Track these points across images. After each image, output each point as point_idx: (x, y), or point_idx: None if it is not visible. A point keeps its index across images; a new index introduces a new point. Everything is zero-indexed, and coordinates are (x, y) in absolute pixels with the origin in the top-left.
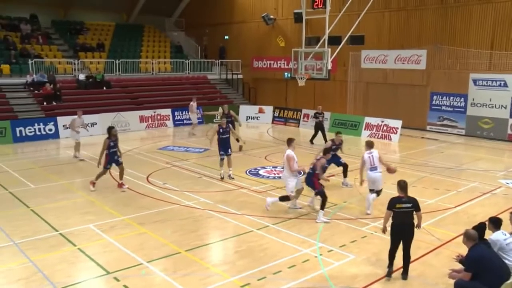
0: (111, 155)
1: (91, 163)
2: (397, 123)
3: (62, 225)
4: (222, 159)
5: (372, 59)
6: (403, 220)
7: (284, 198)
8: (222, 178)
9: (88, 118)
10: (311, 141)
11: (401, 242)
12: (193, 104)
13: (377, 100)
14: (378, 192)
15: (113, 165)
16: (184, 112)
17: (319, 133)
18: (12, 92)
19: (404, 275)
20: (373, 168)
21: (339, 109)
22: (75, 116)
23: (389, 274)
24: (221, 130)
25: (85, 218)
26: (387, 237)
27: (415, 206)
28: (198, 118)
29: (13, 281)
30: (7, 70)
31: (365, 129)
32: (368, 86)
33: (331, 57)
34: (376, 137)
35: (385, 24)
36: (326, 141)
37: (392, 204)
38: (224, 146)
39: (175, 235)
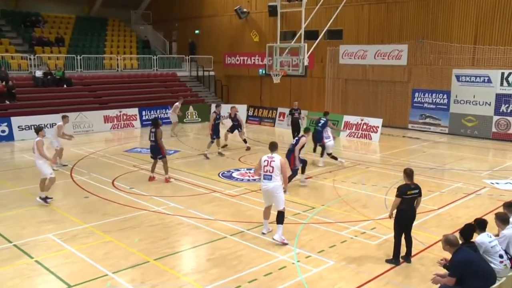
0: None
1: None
2: (377, 122)
3: (16, 236)
4: (212, 142)
5: (351, 55)
6: (410, 205)
7: (281, 219)
8: (207, 158)
9: (46, 119)
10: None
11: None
12: (179, 105)
13: (356, 97)
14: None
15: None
16: (152, 111)
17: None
18: None
19: (409, 258)
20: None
21: (316, 107)
22: (60, 123)
23: (398, 263)
24: (217, 117)
25: (44, 227)
26: (367, 241)
27: (420, 192)
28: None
29: None
30: None
31: (344, 128)
32: (347, 83)
33: (307, 52)
34: (355, 136)
35: (364, 17)
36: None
37: (403, 191)
38: (217, 131)
39: (144, 243)
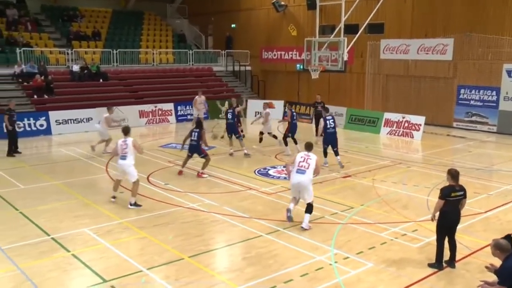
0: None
1: (87, 162)
2: (420, 119)
3: (54, 229)
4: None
5: (393, 49)
6: (455, 207)
7: (311, 210)
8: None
9: (83, 113)
10: (317, 133)
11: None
12: (198, 98)
13: (397, 94)
14: None
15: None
16: (188, 106)
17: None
18: None
19: (453, 263)
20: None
21: (356, 104)
22: (106, 114)
23: (441, 268)
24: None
25: (80, 221)
26: (408, 244)
27: (465, 194)
28: (204, 114)
29: None
30: None
31: (384, 126)
32: (388, 79)
33: (347, 47)
34: (396, 134)
35: (407, 10)
36: (317, 134)
37: (447, 193)
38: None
39: (178, 239)
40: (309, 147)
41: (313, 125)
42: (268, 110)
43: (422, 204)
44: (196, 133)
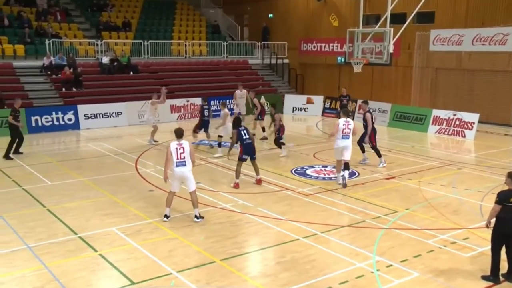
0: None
1: (116, 158)
2: (473, 117)
3: (81, 228)
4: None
5: (444, 40)
6: None
7: (348, 166)
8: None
9: (112, 107)
10: None
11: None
12: (238, 92)
13: (448, 89)
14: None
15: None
16: (221, 101)
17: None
18: (27, 76)
19: (511, 277)
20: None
21: (401, 100)
22: (154, 99)
23: (498, 281)
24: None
25: (108, 220)
26: (458, 253)
27: None
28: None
29: None
30: (22, 51)
31: (432, 124)
32: (438, 73)
33: (393, 38)
34: (446, 133)
35: None
36: None
37: (504, 198)
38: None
39: (210, 241)
40: (345, 113)
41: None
42: (226, 110)
43: (474, 209)
44: (246, 131)
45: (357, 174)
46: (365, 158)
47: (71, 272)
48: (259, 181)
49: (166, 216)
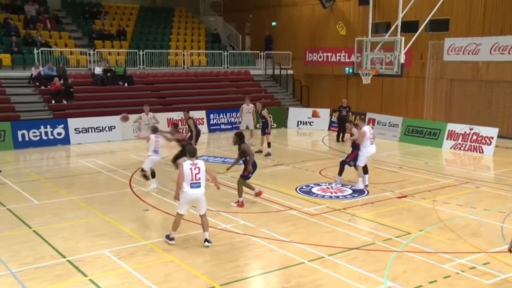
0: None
1: (109, 175)
2: (491, 132)
3: (71, 251)
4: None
5: (459, 50)
6: None
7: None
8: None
9: (105, 121)
10: (339, 139)
11: None
12: (245, 106)
13: (464, 101)
14: None
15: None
16: (221, 115)
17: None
18: (13, 88)
19: None
20: None
21: (413, 113)
22: (142, 114)
23: None
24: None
25: (100, 242)
26: (478, 279)
27: None
28: (239, 123)
29: None
30: (8, 61)
31: (447, 139)
32: (453, 84)
33: (404, 47)
34: (462, 148)
35: (479, 2)
36: (340, 139)
37: None
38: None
39: (209, 265)
40: (363, 120)
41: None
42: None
43: (495, 232)
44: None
45: (366, 192)
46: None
47: None
48: (259, 194)
49: (172, 238)
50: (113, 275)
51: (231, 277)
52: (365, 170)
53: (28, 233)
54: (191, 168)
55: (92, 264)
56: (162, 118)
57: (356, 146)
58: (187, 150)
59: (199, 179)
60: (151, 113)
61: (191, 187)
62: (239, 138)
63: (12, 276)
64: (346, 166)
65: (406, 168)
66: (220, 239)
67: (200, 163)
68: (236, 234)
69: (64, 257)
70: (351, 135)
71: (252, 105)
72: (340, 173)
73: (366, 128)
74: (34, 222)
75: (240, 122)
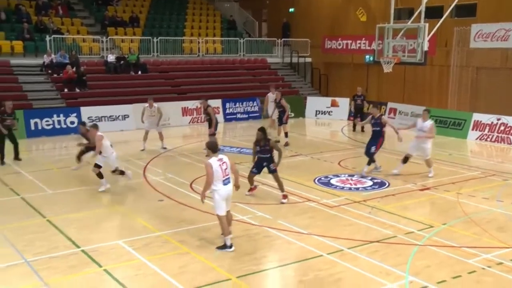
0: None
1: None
2: None
3: (85, 241)
4: None
5: (487, 36)
6: None
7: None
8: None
9: (118, 110)
10: (355, 128)
11: None
12: (270, 95)
13: (491, 90)
14: None
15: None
16: (237, 104)
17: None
18: (26, 76)
19: None
20: None
21: (437, 102)
22: (146, 105)
23: None
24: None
25: (114, 232)
26: (505, 275)
27: None
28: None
29: None
30: (20, 48)
31: (473, 129)
32: (479, 72)
33: (428, 34)
34: (489, 139)
35: None
36: (355, 127)
37: None
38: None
39: (225, 257)
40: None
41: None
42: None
43: None
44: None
45: (387, 184)
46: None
47: None
48: (284, 197)
49: (230, 246)
50: (128, 266)
51: (247, 269)
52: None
53: (42, 222)
54: (220, 165)
55: (107, 255)
56: (176, 107)
57: (381, 134)
58: (210, 145)
59: (228, 174)
60: (156, 105)
61: (224, 184)
62: (264, 133)
63: (27, 265)
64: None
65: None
66: (236, 231)
67: (225, 157)
68: (253, 225)
69: (78, 247)
70: (376, 119)
71: (279, 93)
72: (370, 162)
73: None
74: (48, 212)
75: (267, 112)
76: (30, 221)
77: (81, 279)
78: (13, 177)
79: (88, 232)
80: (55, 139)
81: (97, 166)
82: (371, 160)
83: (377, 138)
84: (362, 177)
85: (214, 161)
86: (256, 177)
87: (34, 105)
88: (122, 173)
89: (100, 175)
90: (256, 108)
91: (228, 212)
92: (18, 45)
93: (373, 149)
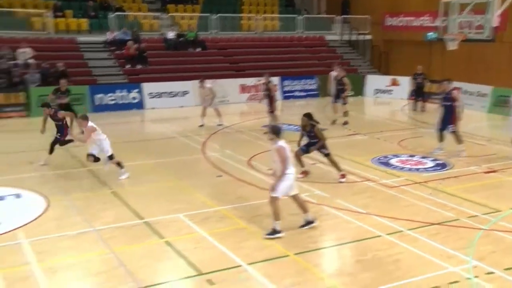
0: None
1: (183, 140)
2: None
3: (147, 213)
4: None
5: None
6: None
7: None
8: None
9: (178, 86)
10: (416, 107)
11: None
12: (333, 73)
13: None
14: None
15: None
16: (295, 81)
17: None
18: (91, 52)
19: None
20: None
21: (506, 82)
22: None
23: None
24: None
25: (174, 206)
26: None
27: None
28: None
29: (92, 273)
30: (86, 25)
31: None
32: None
33: (498, 9)
34: None
35: None
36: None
37: None
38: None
39: (283, 233)
40: None
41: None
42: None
43: None
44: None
45: (450, 165)
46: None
47: (137, 259)
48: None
49: (279, 231)
50: (188, 239)
51: (305, 246)
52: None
53: (106, 194)
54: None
55: (168, 227)
56: (234, 84)
57: (453, 109)
58: (275, 130)
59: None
60: (208, 85)
61: (294, 166)
62: (310, 119)
63: (94, 234)
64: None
65: (496, 141)
66: (294, 208)
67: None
68: (310, 203)
69: (141, 218)
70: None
71: (342, 70)
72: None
73: None
74: (112, 184)
75: (331, 91)
76: (95, 192)
77: (144, 249)
78: (80, 149)
79: (150, 205)
80: (118, 114)
81: (92, 155)
82: (442, 138)
83: (450, 113)
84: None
85: (286, 144)
86: (314, 155)
87: (98, 81)
88: (118, 164)
89: (119, 164)
90: (314, 86)
91: (297, 195)
92: (84, 22)
93: (451, 127)
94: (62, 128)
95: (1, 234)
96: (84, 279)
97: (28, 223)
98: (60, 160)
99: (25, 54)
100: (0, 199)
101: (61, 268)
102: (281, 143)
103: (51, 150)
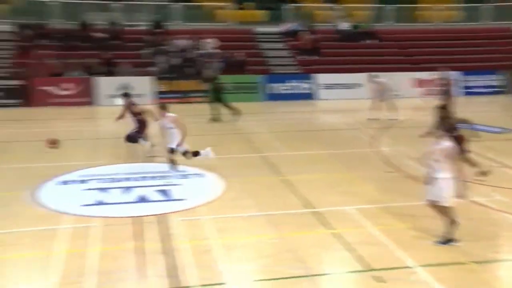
0: None
1: (354, 133)
2: None
3: (316, 203)
4: None
5: None
6: None
7: None
8: None
9: (351, 78)
10: None
11: None
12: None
13: None
14: None
15: None
16: (479, 77)
17: None
18: (266, 43)
19: None
20: None
21: None
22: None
23: None
24: None
25: (343, 198)
26: None
27: None
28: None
29: (263, 255)
30: (263, 17)
31: None
32: None
33: None
34: None
35: None
36: None
37: None
38: None
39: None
40: None
41: None
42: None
43: None
44: None
45: None
46: None
47: (306, 246)
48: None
49: (453, 240)
50: (356, 233)
51: (484, 256)
52: None
53: (277, 180)
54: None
55: (336, 219)
56: (407, 78)
57: None
58: (448, 127)
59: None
60: (382, 79)
61: None
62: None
63: (264, 218)
64: None
65: None
66: (474, 213)
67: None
68: (492, 210)
69: (310, 207)
70: None
71: None
72: None
73: None
74: (283, 171)
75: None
76: (267, 177)
77: (312, 238)
78: (252, 136)
79: (319, 195)
80: (290, 103)
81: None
82: None
83: None
84: None
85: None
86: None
87: (273, 70)
88: (195, 154)
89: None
90: (502, 82)
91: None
92: (261, 14)
93: None
94: (139, 124)
95: (187, 209)
96: (255, 260)
97: (209, 202)
98: (237, 146)
99: (209, 44)
100: (186, 177)
101: (236, 246)
102: (449, 142)
103: (134, 141)
